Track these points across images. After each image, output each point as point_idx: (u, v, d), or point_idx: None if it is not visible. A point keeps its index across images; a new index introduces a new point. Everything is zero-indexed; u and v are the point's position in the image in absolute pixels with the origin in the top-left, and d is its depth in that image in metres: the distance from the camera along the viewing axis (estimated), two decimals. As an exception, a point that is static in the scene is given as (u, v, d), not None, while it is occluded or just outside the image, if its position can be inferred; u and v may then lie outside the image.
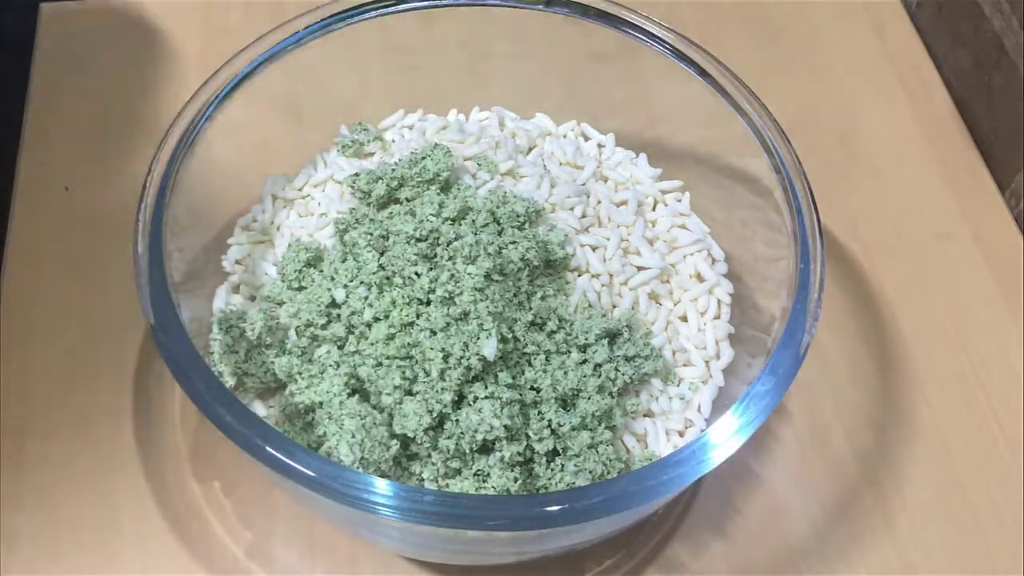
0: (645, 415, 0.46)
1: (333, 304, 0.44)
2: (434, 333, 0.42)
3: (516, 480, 0.41)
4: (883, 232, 0.60)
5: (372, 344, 0.42)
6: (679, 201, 0.53)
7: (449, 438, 0.41)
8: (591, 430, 0.43)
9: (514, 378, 0.42)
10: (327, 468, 0.37)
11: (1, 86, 0.64)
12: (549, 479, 0.42)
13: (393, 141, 0.54)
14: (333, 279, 0.45)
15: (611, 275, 0.48)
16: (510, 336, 0.43)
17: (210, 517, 0.48)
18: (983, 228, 0.61)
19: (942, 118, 0.66)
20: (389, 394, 0.41)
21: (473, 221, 0.46)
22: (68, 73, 0.63)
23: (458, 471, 0.42)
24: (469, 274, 0.43)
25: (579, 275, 0.47)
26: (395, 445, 0.41)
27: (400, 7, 0.51)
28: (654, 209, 0.53)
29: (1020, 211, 0.61)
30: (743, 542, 0.49)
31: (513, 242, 0.46)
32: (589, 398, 0.43)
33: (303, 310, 0.44)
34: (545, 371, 0.43)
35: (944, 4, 0.69)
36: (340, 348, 0.44)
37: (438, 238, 0.45)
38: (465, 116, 0.56)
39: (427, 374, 0.41)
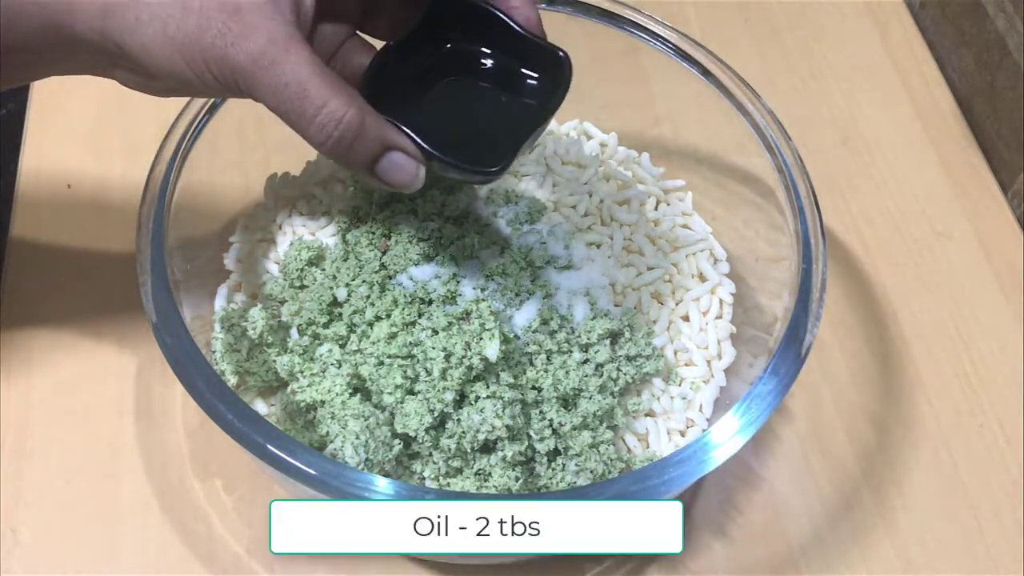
0: (647, 415, 0.46)
1: (335, 303, 0.44)
2: (436, 332, 0.42)
3: (517, 479, 0.41)
4: (885, 232, 0.60)
5: (374, 343, 0.42)
6: (681, 200, 0.53)
7: (450, 437, 0.41)
8: (592, 430, 0.43)
9: (515, 378, 0.42)
10: (328, 466, 0.37)
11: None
12: (550, 478, 0.42)
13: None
14: (335, 278, 0.45)
15: (613, 274, 0.48)
16: (512, 336, 0.43)
17: (211, 516, 0.48)
18: (985, 228, 0.61)
19: (945, 118, 0.66)
20: (391, 393, 0.41)
21: (475, 220, 0.46)
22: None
23: (459, 470, 0.42)
24: (471, 273, 0.43)
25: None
26: (398, 445, 0.41)
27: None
28: (656, 208, 0.53)
29: (1022, 212, 0.61)
30: (744, 542, 0.49)
31: (516, 241, 0.46)
32: (591, 398, 0.43)
33: (305, 309, 0.44)
34: (547, 371, 0.43)
35: (947, 4, 0.69)
36: (342, 347, 0.44)
37: (440, 237, 0.45)
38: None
39: (428, 373, 0.41)
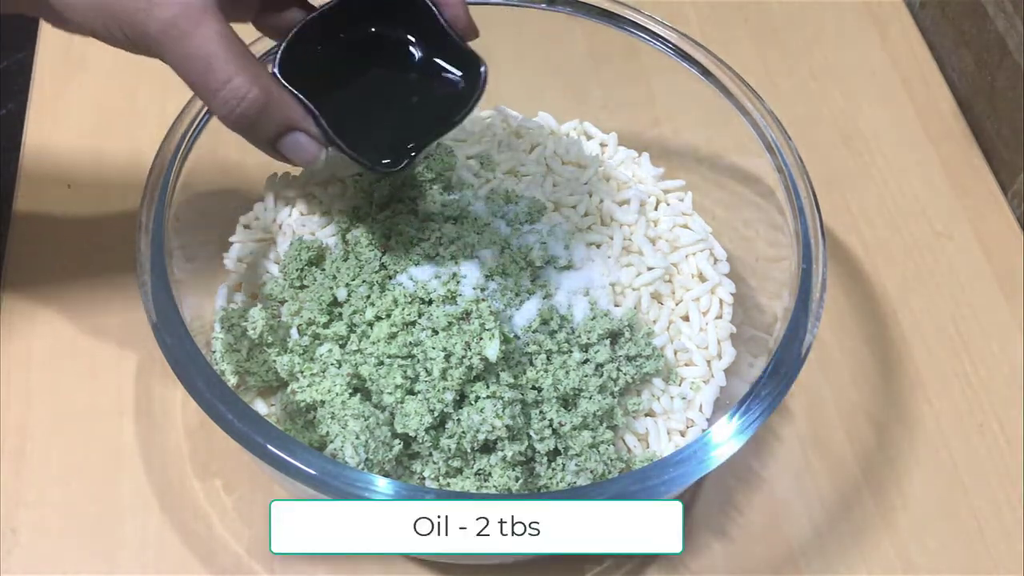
0: (647, 415, 0.46)
1: (335, 303, 0.44)
2: (436, 332, 0.42)
3: (517, 479, 0.41)
4: (885, 232, 0.60)
5: (374, 343, 0.42)
6: (681, 200, 0.53)
7: (450, 437, 0.41)
8: (592, 430, 0.43)
9: (516, 378, 0.42)
10: (328, 466, 0.37)
11: (2, 84, 0.64)
12: (550, 478, 0.42)
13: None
14: (335, 278, 0.45)
15: (613, 274, 0.48)
16: (512, 336, 0.43)
17: (211, 516, 0.48)
18: (985, 228, 0.61)
19: (945, 118, 0.66)
20: (391, 393, 0.41)
21: (475, 220, 0.46)
22: (68, 73, 0.63)
23: (459, 470, 0.42)
24: (471, 273, 0.43)
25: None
26: (398, 445, 0.41)
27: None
28: (656, 208, 0.53)
29: (1022, 212, 0.61)
30: (744, 542, 0.49)
31: (515, 241, 0.46)
32: (591, 398, 0.43)
33: (305, 308, 0.44)
34: (547, 371, 0.43)
35: (947, 4, 0.69)
36: (342, 347, 0.44)
37: (440, 237, 0.45)
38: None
39: (428, 373, 0.41)
